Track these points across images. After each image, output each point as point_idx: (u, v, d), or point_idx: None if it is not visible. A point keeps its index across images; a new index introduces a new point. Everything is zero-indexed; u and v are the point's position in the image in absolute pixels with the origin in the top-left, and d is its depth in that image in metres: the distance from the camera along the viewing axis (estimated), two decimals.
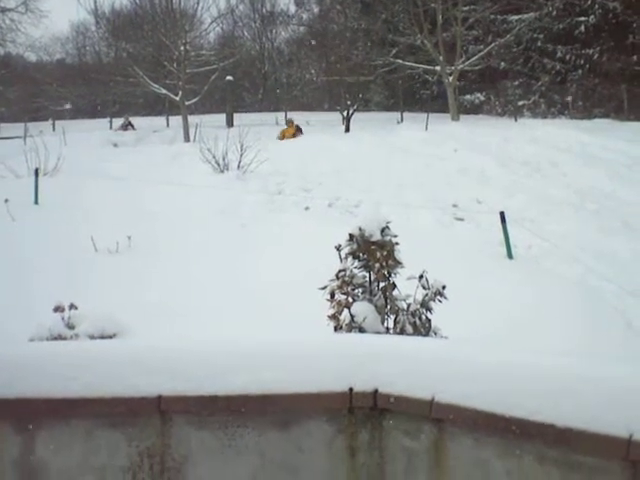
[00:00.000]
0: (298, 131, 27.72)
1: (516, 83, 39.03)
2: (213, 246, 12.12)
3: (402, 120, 34.13)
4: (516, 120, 31.78)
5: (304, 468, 3.69)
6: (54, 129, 33.91)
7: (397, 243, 5.89)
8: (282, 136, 27.37)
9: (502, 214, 12.53)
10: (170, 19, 35.74)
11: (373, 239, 5.82)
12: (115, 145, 27.59)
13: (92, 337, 6.76)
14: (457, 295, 6.39)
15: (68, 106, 50.83)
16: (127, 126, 33.82)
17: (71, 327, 7.21)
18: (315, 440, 3.69)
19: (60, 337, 6.95)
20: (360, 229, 5.81)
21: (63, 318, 7.28)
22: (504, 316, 9.13)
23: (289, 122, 29.04)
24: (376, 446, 3.68)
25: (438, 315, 6.12)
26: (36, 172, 15.79)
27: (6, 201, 13.85)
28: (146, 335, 6.33)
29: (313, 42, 47.79)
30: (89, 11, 54.01)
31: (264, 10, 55.73)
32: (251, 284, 10.29)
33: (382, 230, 5.84)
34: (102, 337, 6.78)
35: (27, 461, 3.76)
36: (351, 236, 5.89)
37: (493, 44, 36.11)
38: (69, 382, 3.77)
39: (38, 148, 17.42)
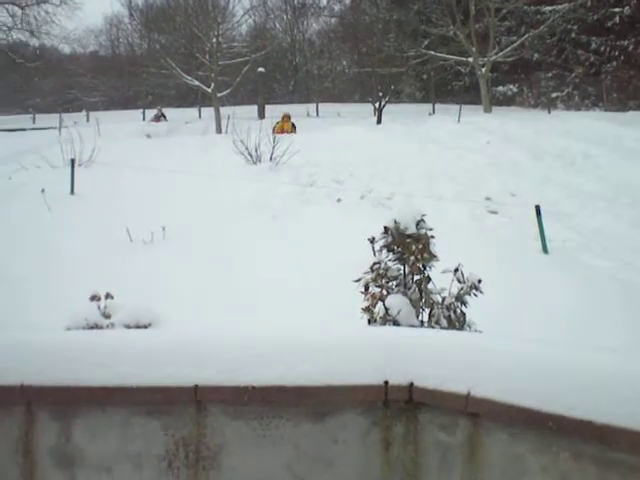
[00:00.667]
0: (293, 128, 27.18)
1: (549, 75, 38.68)
2: (245, 237, 12.15)
3: (434, 112, 33.97)
4: (549, 112, 31.53)
5: (338, 460, 3.70)
6: (88, 120, 34.16)
7: (432, 236, 5.87)
8: (280, 130, 26.98)
9: (537, 207, 12.42)
10: (202, 11, 35.81)
11: (408, 232, 5.79)
12: (148, 136, 27.69)
13: (128, 326, 6.80)
14: (491, 289, 6.36)
15: (99, 98, 51.05)
16: (159, 117, 33.95)
17: (107, 316, 7.26)
18: (350, 432, 3.70)
19: (96, 326, 6.99)
20: (395, 222, 5.79)
21: (99, 307, 7.33)
22: (540, 311, 9.07)
23: (285, 117, 28.42)
24: (411, 440, 3.69)
25: (472, 309, 6.09)
26: (72, 163, 15.90)
27: (42, 191, 13.98)
28: (181, 325, 6.36)
29: (344, 34, 47.65)
30: (122, 3, 54.32)
31: (296, 2, 55.62)
32: (284, 276, 10.31)
33: (417, 223, 5.81)
34: (137, 326, 6.81)
35: (64, 448, 3.81)
36: (386, 229, 5.87)
37: (526, 35, 35.81)
38: (106, 370, 3.81)
39: (73, 139, 17.53)
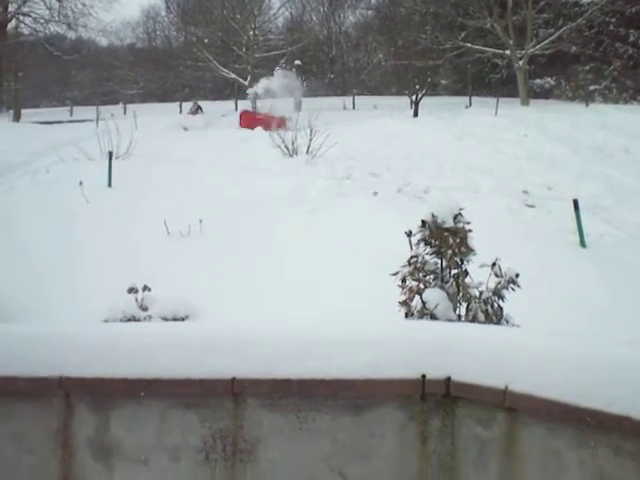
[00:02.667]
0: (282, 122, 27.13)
1: (587, 67, 38.26)
2: (281, 230, 12.17)
3: (470, 105, 33.80)
4: (587, 105, 31.23)
5: (375, 453, 3.69)
6: (125, 113, 34.38)
7: (470, 230, 5.84)
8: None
9: (575, 201, 12.33)
10: (239, 4, 35.94)
11: (446, 226, 5.77)
12: (185, 129, 27.82)
13: (165, 319, 6.86)
14: (529, 283, 6.31)
15: (136, 91, 51.36)
16: (196, 110, 34.07)
17: (144, 309, 7.33)
18: (387, 426, 3.69)
19: (133, 318, 7.06)
20: (433, 215, 5.77)
21: (137, 300, 7.40)
22: (578, 305, 8.99)
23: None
24: (447, 433, 3.67)
25: (509, 303, 6.06)
26: (110, 155, 16.02)
27: (80, 183, 14.08)
28: (218, 318, 6.39)
29: (381, 26, 47.50)
30: None
31: None
32: (320, 269, 10.31)
33: (455, 217, 5.79)
34: (174, 319, 6.87)
35: (102, 439, 3.83)
36: (423, 222, 5.86)
37: (564, 28, 35.47)
38: (144, 363, 3.82)
39: (110, 131, 17.65)
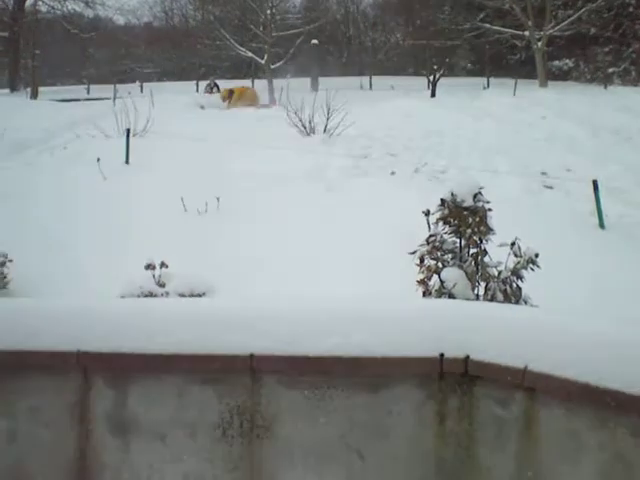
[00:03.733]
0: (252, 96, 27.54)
1: (606, 49, 37.93)
2: (299, 209, 12.15)
3: (488, 86, 33.63)
4: (606, 87, 30.99)
5: (392, 432, 3.68)
6: (142, 91, 34.35)
7: (490, 209, 5.81)
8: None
9: (595, 182, 12.25)
10: None
11: (465, 205, 5.74)
12: (202, 107, 27.82)
13: (182, 295, 6.88)
14: (547, 264, 6.28)
15: (153, 69, 51.33)
16: (212, 88, 34.00)
17: (161, 285, 7.36)
18: (404, 404, 3.68)
19: (151, 294, 7.08)
20: (452, 194, 5.74)
21: (154, 276, 7.42)
22: (597, 286, 8.95)
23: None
24: (465, 413, 3.65)
25: (528, 283, 6.02)
26: (127, 132, 16.03)
27: (98, 160, 14.11)
28: (235, 294, 6.39)
29: (398, 6, 47.23)
30: None
31: None
32: (337, 247, 10.30)
33: (474, 196, 5.76)
34: (192, 295, 6.89)
35: (119, 414, 3.85)
36: (442, 201, 5.83)
37: (583, 9, 35.13)
38: (162, 338, 3.83)
39: (127, 109, 17.65)
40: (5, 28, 41.68)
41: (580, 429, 3.28)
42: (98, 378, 3.87)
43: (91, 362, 3.86)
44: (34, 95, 35.79)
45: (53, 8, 44.06)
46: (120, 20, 54.27)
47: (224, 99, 29.00)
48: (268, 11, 33.96)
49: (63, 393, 3.88)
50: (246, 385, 3.74)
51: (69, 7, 44.35)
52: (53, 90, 39.03)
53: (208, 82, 34.92)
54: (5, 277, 9.46)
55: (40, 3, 43.69)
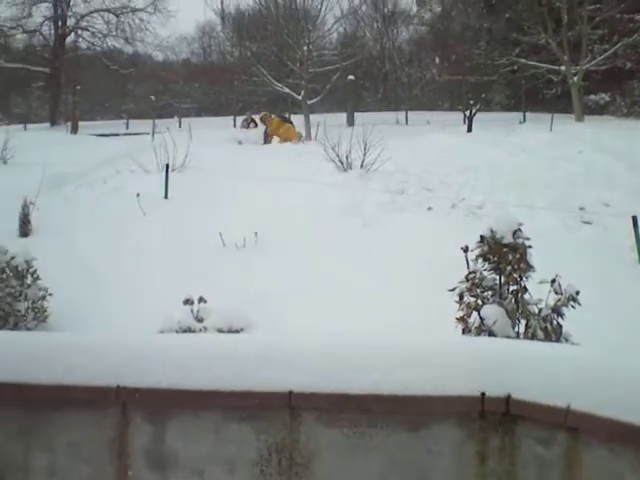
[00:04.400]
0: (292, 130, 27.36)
1: None
2: (336, 244, 12.14)
3: (524, 120, 33.52)
4: None
5: (432, 471, 3.64)
6: (180, 126, 34.69)
7: (530, 246, 5.76)
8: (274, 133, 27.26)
9: (634, 218, 12.13)
10: (294, 20, 36.11)
11: (504, 241, 5.70)
12: (239, 142, 27.98)
13: (220, 330, 6.88)
14: (586, 301, 6.21)
15: (191, 104, 51.87)
16: (249, 123, 34.24)
17: (200, 320, 7.36)
18: (444, 444, 3.64)
19: (189, 330, 7.09)
20: (491, 230, 5.71)
21: (192, 311, 7.43)
22: (637, 324, 8.82)
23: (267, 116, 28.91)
24: (507, 453, 3.61)
25: (567, 320, 5.96)
26: (166, 167, 16.16)
27: (137, 195, 14.23)
28: (273, 330, 6.38)
29: (434, 42, 47.42)
30: (215, 11, 54.66)
31: (386, 10, 55.52)
32: (375, 284, 10.27)
33: (514, 232, 5.72)
34: (230, 331, 6.89)
35: (157, 449, 3.85)
36: (482, 238, 5.79)
37: (619, 44, 34.98)
38: (200, 374, 3.83)
39: (167, 144, 17.79)
40: (47, 64, 42.53)
41: (623, 471, 3.23)
42: (136, 413, 3.88)
43: (130, 397, 3.87)
44: (74, 130, 36.29)
45: (93, 44, 44.88)
46: (159, 56, 54.98)
47: (266, 126, 29.12)
48: (305, 47, 34.19)
49: (102, 428, 3.89)
50: (285, 422, 3.73)
51: (109, 44, 45.13)
52: (93, 125, 39.53)
53: (245, 117, 35.17)
54: (45, 311, 9.54)
55: (80, 40, 44.60)
